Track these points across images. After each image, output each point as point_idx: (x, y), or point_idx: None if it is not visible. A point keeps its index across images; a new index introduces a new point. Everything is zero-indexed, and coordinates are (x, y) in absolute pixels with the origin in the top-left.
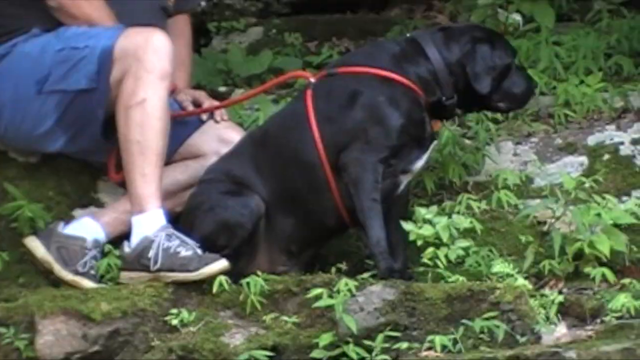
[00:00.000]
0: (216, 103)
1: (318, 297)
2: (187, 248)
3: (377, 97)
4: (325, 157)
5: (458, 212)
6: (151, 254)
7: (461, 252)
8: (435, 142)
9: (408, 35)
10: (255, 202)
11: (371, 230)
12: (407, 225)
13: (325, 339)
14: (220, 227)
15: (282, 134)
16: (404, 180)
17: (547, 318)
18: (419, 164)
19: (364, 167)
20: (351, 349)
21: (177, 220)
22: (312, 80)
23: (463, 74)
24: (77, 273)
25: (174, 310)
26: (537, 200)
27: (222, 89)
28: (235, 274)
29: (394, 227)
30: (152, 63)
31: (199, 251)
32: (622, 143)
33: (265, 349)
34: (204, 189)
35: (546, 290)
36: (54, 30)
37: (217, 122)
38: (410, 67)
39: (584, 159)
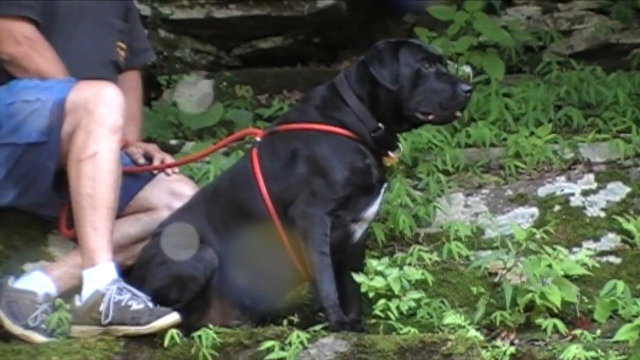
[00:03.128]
0: (167, 156)
1: (270, 350)
2: (138, 301)
3: (315, 151)
4: (275, 214)
5: (409, 264)
6: (102, 307)
7: (413, 304)
8: (385, 185)
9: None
10: (209, 256)
11: (320, 283)
12: (358, 277)
13: None
14: (173, 280)
15: (232, 192)
16: (358, 228)
17: None
18: (371, 210)
19: (311, 221)
20: None
21: (128, 274)
22: (258, 139)
23: (377, 98)
24: (27, 327)
25: None
26: (489, 252)
27: (173, 141)
28: (187, 328)
29: (349, 277)
30: (103, 116)
31: (150, 304)
32: (572, 194)
33: None
34: (157, 243)
35: (498, 342)
36: (5, 84)
37: (168, 175)
38: (335, 114)
39: (534, 210)
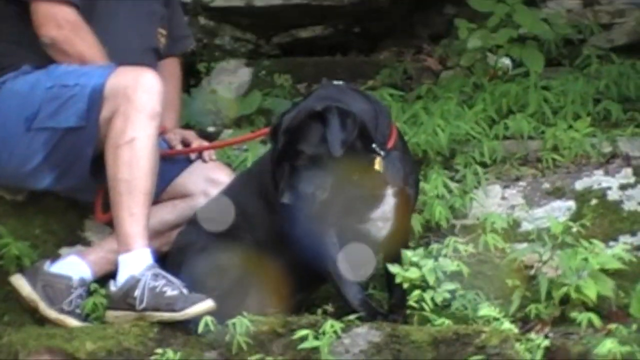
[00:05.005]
0: (205, 143)
1: (303, 339)
2: (173, 288)
3: None
4: None
5: (445, 255)
6: (137, 293)
7: (447, 295)
8: (390, 186)
9: None
10: (247, 244)
11: (343, 289)
12: (393, 268)
13: None
14: (211, 268)
15: (262, 180)
16: (371, 228)
17: None
18: (381, 210)
19: (314, 236)
20: None
21: (164, 260)
22: None
23: None
24: (62, 312)
25: (159, 350)
26: (524, 244)
27: (211, 129)
28: (222, 315)
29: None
30: (142, 102)
31: (185, 291)
32: (609, 188)
33: None
34: (195, 229)
35: (532, 335)
36: (44, 68)
37: (205, 162)
38: None
39: (571, 204)
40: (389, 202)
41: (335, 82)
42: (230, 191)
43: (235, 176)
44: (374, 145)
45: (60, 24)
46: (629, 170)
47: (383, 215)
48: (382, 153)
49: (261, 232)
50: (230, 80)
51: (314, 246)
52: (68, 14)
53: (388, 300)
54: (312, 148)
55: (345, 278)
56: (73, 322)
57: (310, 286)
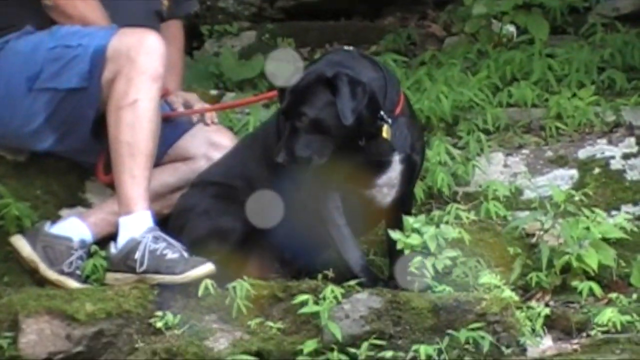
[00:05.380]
0: (207, 106)
1: (304, 304)
2: (173, 250)
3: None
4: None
5: (446, 222)
6: (137, 255)
7: (448, 262)
8: (395, 153)
9: None
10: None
11: (345, 254)
12: (394, 234)
13: (310, 345)
14: (213, 231)
15: (266, 144)
16: (377, 194)
17: (533, 330)
18: (386, 177)
19: (318, 199)
20: (336, 357)
21: (164, 223)
22: None
23: None
24: (62, 273)
25: (159, 313)
26: (526, 213)
27: (214, 92)
28: (223, 279)
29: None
30: (144, 64)
31: (186, 254)
32: (612, 157)
33: (249, 354)
34: (197, 192)
35: (533, 303)
36: (47, 29)
37: (207, 125)
38: None
39: (574, 173)
40: (395, 169)
41: (346, 48)
42: (233, 154)
43: (239, 139)
44: (382, 113)
45: None
46: (632, 140)
47: (389, 182)
48: (389, 121)
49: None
50: (233, 43)
51: (317, 210)
52: None
53: (388, 267)
54: (314, 111)
55: (348, 243)
56: (73, 283)
57: (312, 251)
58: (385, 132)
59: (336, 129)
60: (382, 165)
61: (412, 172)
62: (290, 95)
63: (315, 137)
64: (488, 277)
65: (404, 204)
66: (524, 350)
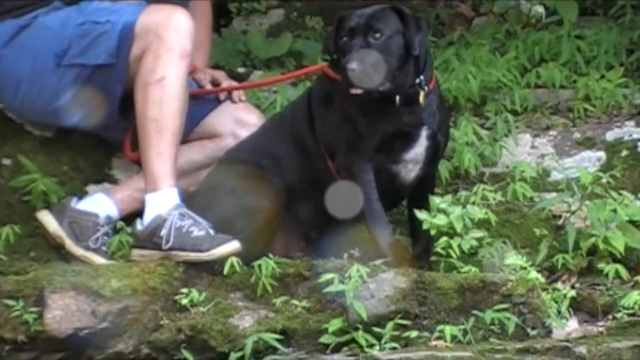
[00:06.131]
0: (235, 83)
1: (329, 283)
2: (199, 228)
3: (343, 99)
4: (326, 153)
5: (473, 203)
6: (163, 232)
7: (474, 243)
8: (424, 127)
9: None
10: (277, 187)
11: (374, 229)
12: (420, 214)
13: (335, 324)
14: (240, 210)
15: (295, 123)
16: (402, 169)
17: (559, 312)
18: (413, 152)
19: (352, 172)
20: (360, 336)
21: (190, 201)
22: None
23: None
24: (88, 249)
25: (184, 290)
26: (553, 194)
27: (241, 70)
28: (248, 257)
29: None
30: (172, 41)
31: (212, 232)
32: None
33: (274, 332)
34: (224, 170)
35: (559, 285)
36: (76, 4)
37: (234, 102)
38: None
39: (601, 155)
40: (421, 144)
41: None
42: (261, 133)
43: (267, 119)
44: (421, 78)
45: None
46: None
47: (415, 157)
48: (425, 89)
49: (291, 176)
50: (261, 21)
51: (350, 183)
52: None
53: (412, 247)
54: (390, 30)
55: (379, 218)
56: (99, 259)
57: (339, 227)
58: (422, 98)
59: (399, 59)
60: (410, 138)
61: (436, 151)
62: (360, 17)
63: (382, 57)
64: (514, 258)
65: (427, 184)
66: (549, 332)
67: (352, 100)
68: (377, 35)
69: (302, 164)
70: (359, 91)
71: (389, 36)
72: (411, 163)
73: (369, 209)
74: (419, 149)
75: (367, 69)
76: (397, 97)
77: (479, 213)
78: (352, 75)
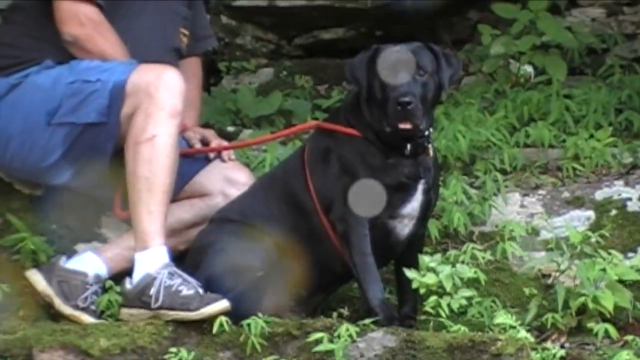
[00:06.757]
0: (224, 142)
1: (318, 342)
2: (188, 287)
3: (343, 152)
4: (321, 210)
5: (462, 262)
6: (152, 291)
7: (464, 302)
8: (422, 181)
9: None
10: (267, 246)
11: (365, 284)
12: (410, 273)
13: None
14: (230, 268)
15: (286, 181)
16: (398, 224)
17: None
18: (410, 207)
19: (348, 224)
20: None
21: (180, 259)
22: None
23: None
24: (77, 308)
25: (173, 349)
26: (543, 253)
27: (231, 128)
28: (238, 317)
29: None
30: (163, 100)
31: (201, 290)
32: (629, 199)
33: None
34: (215, 229)
35: (548, 344)
36: (67, 63)
37: (224, 161)
38: (353, 117)
39: (591, 214)
40: (417, 199)
41: None
42: (252, 193)
43: (258, 178)
44: (431, 130)
45: (82, 21)
46: None
47: (411, 212)
48: (433, 143)
49: (282, 235)
50: (250, 80)
51: (346, 234)
52: (90, 12)
53: (398, 306)
54: (431, 67)
55: (371, 274)
56: (88, 318)
57: (329, 288)
58: (431, 150)
59: (433, 99)
60: (408, 191)
61: (428, 207)
62: (399, 52)
63: (428, 95)
64: (503, 317)
65: (417, 243)
66: None
67: (354, 150)
68: (422, 71)
69: (294, 223)
70: (408, 126)
71: (430, 74)
72: (407, 218)
73: (361, 263)
74: (415, 203)
75: (418, 104)
76: (409, 146)
77: (468, 272)
78: (407, 109)
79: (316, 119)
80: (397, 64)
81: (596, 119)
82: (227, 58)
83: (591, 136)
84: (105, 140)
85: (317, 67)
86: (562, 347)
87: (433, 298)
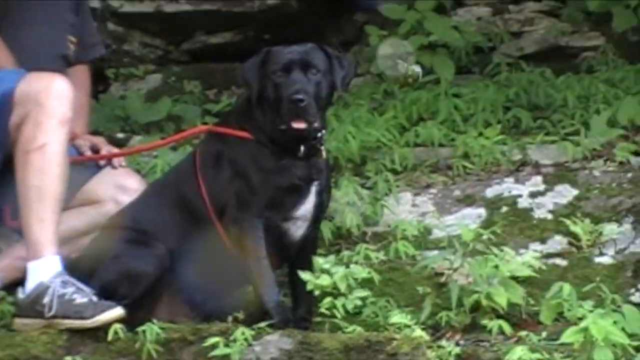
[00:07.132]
0: (114, 149)
1: (214, 346)
2: (82, 295)
3: (235, 155)
4: (214, 214)
5: (356, 262)
6: (46, 300)
7: (359, 303)
8: (315, 183)
9: None
10: (160, 252)
11: (260, 288)
12: (304, 275)
13: None
14: (124, 275)
15: (178, 187)
16: (292, 226)
17: None
18: (303, 209)
19: (242, 228)
20: None
21: (72, 267)
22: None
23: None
24: None
25: (68, 358)
26: (435, 252)
27: (120, 135)
28: (133, 323)
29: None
30: (53, 108)
31: (95, 298)
32: (520, 196)
33: None
34: (108, 236)
35: (443, 342)
36: None
37: (114, 168)
38: (245, 120)
39: (482, 211)
40: (311, 200)
41: None
42: (144, 200)
43: (149, 185)
44: (324, 132)
45: None
46: (538, 178)
47: (305, 214)
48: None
49: (175, 241)
50: (139, 86)
51: (240, 238)
52: None
53: (293, 309)
54: (324, 66)
55: (266, 277)
56: None
57: (224, 292)
58: (325, 151)
59: (327, 98)
60: (302, 193)
61: (321, 209)
62: (292, 53)
63: (321, 93)
64: (398, 317)
65: (310, 245)
66: None
67: (246, 153)
68: (314, 71)
69: (186, 228)
70: (302, 125)
71: (323, 73)
72: (300, 220)
73: (256, 266)
74: (309, 205)
75: (312, 102)
76: (302, 148)
77: (362, 272)
78: (300, 107)
79: (206, 123)
80: (289, 64)
81: (485, 117)
82: (115, 65)
83: (480, 134)
84: None
85: (205, 72)
86: (457, 344)
87: (328, 299)
